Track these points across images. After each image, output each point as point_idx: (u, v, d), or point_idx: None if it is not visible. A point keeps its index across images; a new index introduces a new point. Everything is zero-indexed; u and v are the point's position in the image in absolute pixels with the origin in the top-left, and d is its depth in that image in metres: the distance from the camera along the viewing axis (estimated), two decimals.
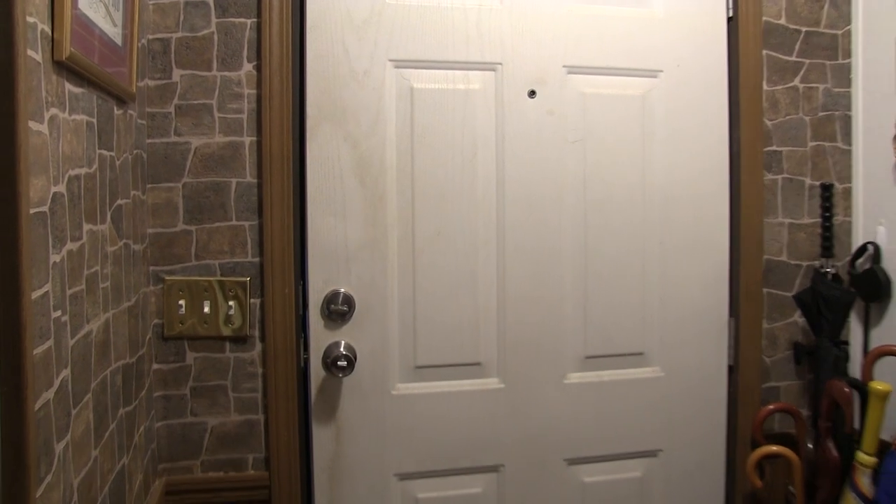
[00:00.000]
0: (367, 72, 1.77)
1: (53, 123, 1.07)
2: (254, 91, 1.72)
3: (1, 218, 0.91)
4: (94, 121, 1.28)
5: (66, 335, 1.13)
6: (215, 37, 1.72)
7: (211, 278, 1.72)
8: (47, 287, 1.04)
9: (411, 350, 1.82)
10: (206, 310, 1.71)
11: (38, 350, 1.00)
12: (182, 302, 1.71)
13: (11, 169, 0.92)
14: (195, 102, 1.71)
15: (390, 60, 1.78)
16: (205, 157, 1.71)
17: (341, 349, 1.75)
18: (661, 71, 1.92)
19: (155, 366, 1.72)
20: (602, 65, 1.88)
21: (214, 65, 1.72)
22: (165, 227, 1.71)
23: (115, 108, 1.42)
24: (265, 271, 1.72)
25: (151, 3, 1.69)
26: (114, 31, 1.37)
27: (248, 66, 1.72)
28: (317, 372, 1.77)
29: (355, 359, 1.77)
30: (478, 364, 1.86)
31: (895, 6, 1.87)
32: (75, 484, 1.16)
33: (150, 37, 1.70)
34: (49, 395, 1.05)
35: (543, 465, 1.91)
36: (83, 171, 1.22)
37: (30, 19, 0.99)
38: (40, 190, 1.02)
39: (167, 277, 1.70)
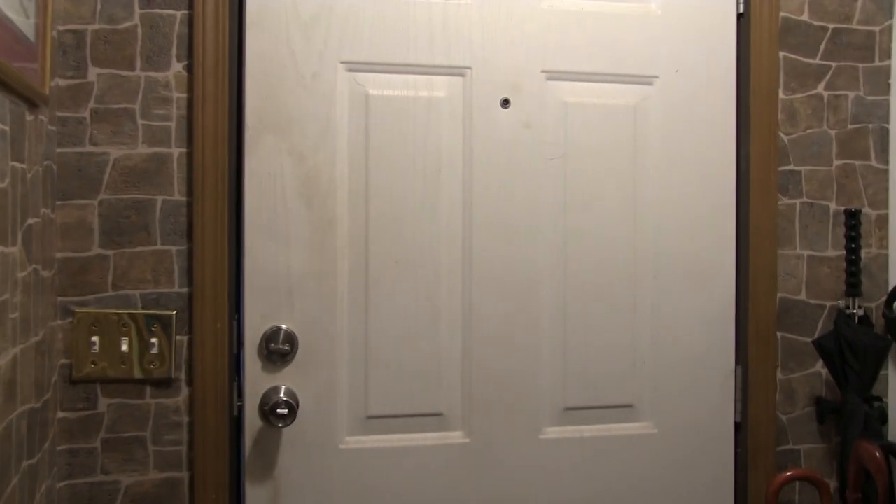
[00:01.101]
0: (316, 75, 2.04)
1: None
2: (184, 95, 2.00)
3: None
4: (7, 129, 1.56)
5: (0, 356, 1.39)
6: (139, 30, 2.00)
7: (130, 311, 1.98)
8: None
9: (362, 398, 2.08)
10: (124, 348, 1.98)
11: None
12: (95, 339, 1.97)
13: None
14: (115, 106, 1.99)
15: (342, 63, 2.05)
16: (125, 171, 1.99)
17: (281, 395, 2.00)
18: (657, 77, 2.22)
19: (60, 414, 1.98)
20: (587, 70, 2.17)
21: (138, 63, 2.00)
22: (77, 250, 1.97)
23: (26, 112, 1.69)
24: (194, 304, 1.99)
25: None
26: (24, 23, 1.64)
27: (177, 66, 2.00)
28: (252, 421, 2.03)
29: (297, 406, 2.03)
30: (439, 415, 2.12)
31: None
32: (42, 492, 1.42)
33: (62, 28, 1.97)
34: None
35: None
36: (1, 185, 1.49)
37: None
38: None
39: (78, 310, 1.97)
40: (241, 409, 2.02)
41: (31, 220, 1.73)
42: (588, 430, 2.19)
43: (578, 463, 2.18)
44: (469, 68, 2.11)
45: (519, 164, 2.14)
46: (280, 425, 1.96)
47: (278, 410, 1.95)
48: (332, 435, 2.07)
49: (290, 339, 2.02)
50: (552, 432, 2.18)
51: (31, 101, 1.72)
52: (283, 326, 2.02)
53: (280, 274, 2.02)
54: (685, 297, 2.23)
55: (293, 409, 1.97)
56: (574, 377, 2.18)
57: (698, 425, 2.24)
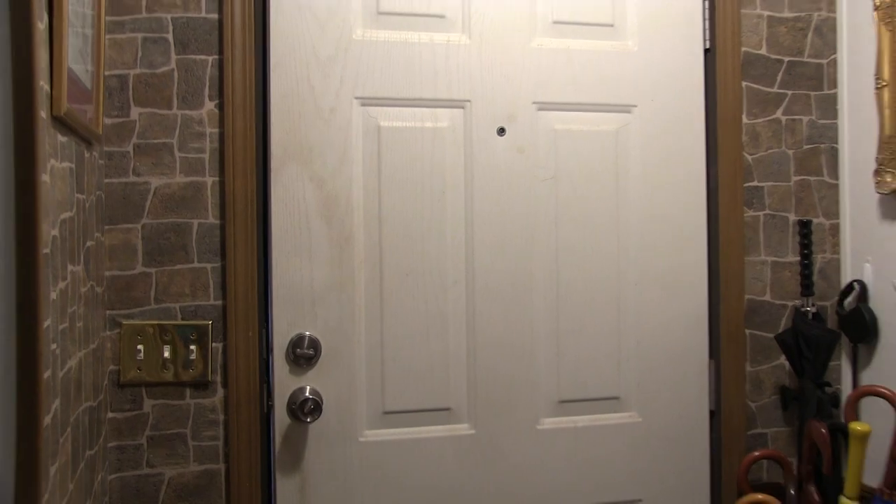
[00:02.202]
0: (334, 110, 2.25)
1: (52, 173, 1.54)
2: (216, 130, 2.20)
3: (23, 258, 1.38)
4: (73, 165, 1.76)
5: (58, 367, 1.59)
6: (175, 74, 2.20)
7: (171, 322, 2.18)
8: (49, 321, 1.50)
9: (379, 395, 2.27)
10: (166, 354, 2.17)
11: (45, 375, 1.46)
12: (140, 347, 2.16)
13: (32, 216, 1.38)
14: (154, 141, 2.19)
15: (356, 98, 2.26)
16: (165, 198, 2.19)
17: (308, 394, 2.19)
18: (635, 105, 2.43)
19: (110, 414, 2.17)
20: (573, 101, 2.39)
21: (175, 103, 2.20)
22: (123, 269, 2.17)
23: (85, 150, 1.89)
24: (228, 315, 2.18)
25: (108, 37, 2.17)
26: (83, 71, 1.84)
27: (209, 105, 2.21)
28: (281, 419, 2.22)
29: (322, 403, 2.21)
30: (448, 409, 2.32)
31: (875, 34, 2.39)
32: (96, 485, 1.61)
33: (108, 73, 2.17)
34: (48, 419, 1.50)
35: None
36: (68, 214, 1.69)
37: (40, 83, 1.46)
38: (45, 233, 1.49)
39: (125, 322, 2.16)
40: (270, 408, 2.22)
41: (88, 243, 1.93)
42: (580, 421, 2.39)
43: (572, 449, 2.38)
44: (468, 101, 2.32)
45: (514, 186, 2.35)
46: (308, 421, 2.15)
47: (306, 407, 2.15)
48: (353, 429, 2.25)
49: (314, 344, 2.21)
50: (548, 423, 2.38)
51: (88, 141, 1.92)
52: (308, 333, 2.22)
53: (304, 286, 2.21)
54: (664, 302, 2.43)
55: (319, 405, 2.16)
56: (567, 374, 2.38)
57: (678, 414, 2.44)
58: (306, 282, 2.22)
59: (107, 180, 2.17)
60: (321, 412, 2.21)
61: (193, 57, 2.21)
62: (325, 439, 2.24)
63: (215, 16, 2.21)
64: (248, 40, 2.21)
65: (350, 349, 2.24)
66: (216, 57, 2.21)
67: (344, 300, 2.24)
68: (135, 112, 2.18)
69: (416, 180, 2.29)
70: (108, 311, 2.16)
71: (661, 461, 2.44)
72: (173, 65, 2.20)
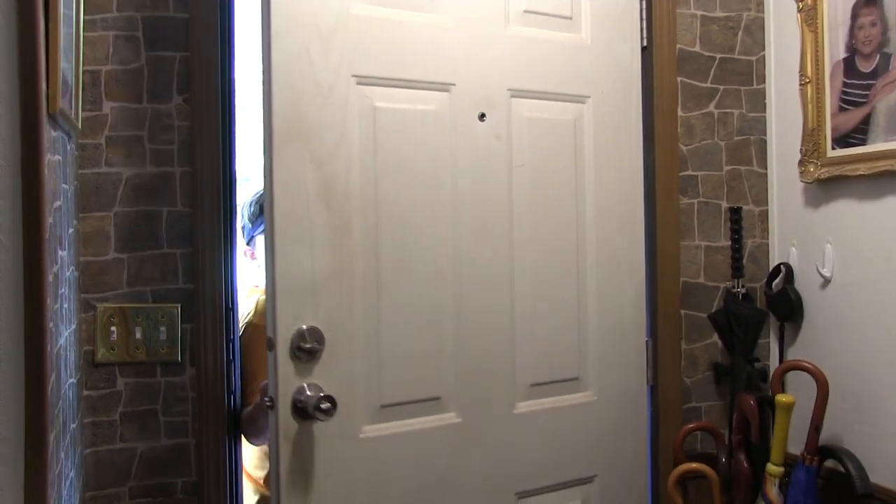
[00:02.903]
0: (332, 87, 2.17)
1: (49, 166, 1.77)
2: (185, 123, 2.43)
3: (30, 244, 1.60)
4: (61, 158, 1.98)
5: (53, 343, 1.82)
6: (145, 70, 2.43)
7: (142, 305, 2.41)
8: (48, 300, 1.73)
9: (376, 389, 2.24)
10: (138, 336, 2.40)
11: (48, 349, 1.69)
12: (113, 328, 2.39)
13: (38, 206, 1.61)
14: (126, 134, 2.41)
15: (353, 76, 2.21)
16: (136, 187, 2.41)
17: (319, 392, 2.10)
18: (589, 97, 2.64)
19: (85, 392, 2.39)
20: (541, 89, 2.53)
21: (145, 97, 2.42)
22: (97, 255, 2.39)
23: (68, 143, 2.12)
24: (196, 298, 2.42)
25: (82, 35, 2.39)
26: (66, 68, 2.05)
27: (178, 99, 2.44)
28: (286, 421, 2.10)
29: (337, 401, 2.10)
30: (437, 399, 2.35)
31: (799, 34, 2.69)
32: (52, 476, 1.84)
33: (83, 69, 2.39)
34: (49, 389, 1.73)
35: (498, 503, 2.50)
36: (59, 203, 1.91)
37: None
38: (47, 221, 1.71)
39: (99, 305, 2.39)
40: (270, 408, 2.12)
41: (70, 230, 2.15)
42: (548, 402, 2.55)
43: (543, 429, 2.54)
44: (454, 84, 2.37)
45: (493, 172, 2.44)
46: (323, 419, 2.06)
47: (322, 405, 2.05)
48: (353, 426, 2.21)
49: (319, 337, 2.13)
50: (522, 406, 2.51)
51: (69, 134, 2.14)
52: (311, 325, 2.13)
53: (306, 275, 2.14)
54: (614, 285, 2.67)
55: (334, 402, 2.07)
56: (538, 357, 2.53)
57: (625, 391, 2.68)
58: (308, 270, 2.14)
59: (81, 171, 2.39)
60: (336, 410, 2.10)
61: (162, 54, 2.44)
62: (326, 438, 2.16)
63: (183, 15, 2.44)
64: (212, 38, 2.43)
65: (350, 342, 2.20)
66: (184, 54, 2.44)
67: (344, 290, 2.19)
68: (107, 106, 2.41)
69: (408, 164, 2.30)
70: (83, 295, 2.38)
71: (611, 437, 2.67)
72: (143, 61, 2.43)
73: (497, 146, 2.45)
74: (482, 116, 2.42)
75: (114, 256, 2.40)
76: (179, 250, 2.44)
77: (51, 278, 1.78)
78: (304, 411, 2.09)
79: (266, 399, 2.12)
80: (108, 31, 2.41)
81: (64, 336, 2.01)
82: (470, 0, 2.43)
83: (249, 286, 3.09)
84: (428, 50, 2.34)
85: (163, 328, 2.42)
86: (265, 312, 2.15)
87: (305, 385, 2.12)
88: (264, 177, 2.14)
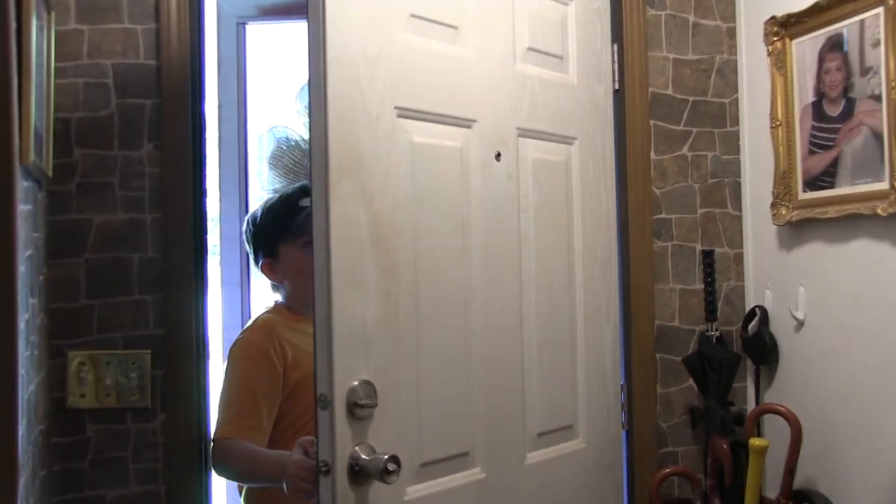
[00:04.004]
0: (379, 118, 2.10)
1: (21, 216, 1.93)
2: (156, 169, 2.59)
3: (3, 297, 1.76)
4: (32, 207, 2.14)
5: (24, 389, 1.97)
6: (116, 117, 2.60)
7: (113, 351, 2.56)
8: (20, 347, 1.88)
9: (418, 445, 2.13)
10: (108, 382, 2.55)
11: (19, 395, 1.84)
12: (84, 375, 2.54)
13: (10, 256, 1.77)
14: (97, 180, 2.57)
15: (395, 108, 2.14)
16: (107, 234, 2.57)
17: (373, 452, 1.99)
18: (576, 138, 2.70)
19: (54, 439, 2.53)
20: (542, 129, 2.54)
21: (115, 144, 2.59)
22: (68, 301, 2.54)
23: (38, 191, 2.28)
24: (167, 344, 2.56)
25: (53, 82, 2.55)
26: (38, 116, 2.21)
27: (149, 146, 2.60)
28: (344, 489, 1.97)
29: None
30: (466, 454, 2.28)
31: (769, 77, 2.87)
32: None
33: (53, 117, 2.55)
34: (19, 435, 1.88)
35: None
36: (29, 252, 2.07)
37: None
38: (19, 271, 1.87)
39: (70, 351, 2.53)
40: (327, 472, 1.96)
41: (41, 277, 2.31)
42: (551, 452, 2.55)
43: (547, 480, 2.54)
44: (475, 121, 2.34)
45: (506, 214, 2.43)
46: (389, 483, 1.96)
47: (389, 467, 1.94)
48: (400, 487, 2.08)
49: (371, 392, 2.01)
50: (532, 457, 2.47)
51: (40, 182, 2.30)
52: (365, 379, 2.01)
53: (359, 324, 2.03)
54: (597, 328, 2.75)
55: (400, 464, 1.97)
56: (543, 405, 2.52)
57: (606, 437, 2.77)
58: (360, 318, 2.04)
59: (51, 217, 2.54)
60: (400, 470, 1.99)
61: (133, 101, 2.61)
62: (377, 501, 2.04)
63: (153, 62, 2.61)
64: (184, 85, 2.61)
65: (397, 396, 2.10)
66: (156, 100, 2.61)
67: (390, 339, 2.10)
68: (77, 153, 2.58)
69: (438, 203, 2.25)
70: (53, 341, 2.53)
71: (596, 485, 2.75)
72: (113, 108, 2.60)
73: (509, 187, 2.46)
74: (498, 156, 2.41)
75: (84, 303, 2.56)
76: (150, 296, 2.59)
77: (22, 325, 1.93)
78: (360, 475, 1.98)
79: (321, 464, 1.96)
80: (78, 78, 2.58)
81: (34, 383, 2.15)
82: (486, 34, 2.42)
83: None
84: (456, 83, 2.32)
85: (133, 374, 2.57)
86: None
87: (365, 443, 2.00)
88: (315, 215, 2.01)
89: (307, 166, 2.59)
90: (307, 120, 3.06)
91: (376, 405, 2.01)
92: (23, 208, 1.98)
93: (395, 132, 2.15)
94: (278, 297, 2.59)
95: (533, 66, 2.56)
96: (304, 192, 2.49)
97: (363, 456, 1.97)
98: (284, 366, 2.41)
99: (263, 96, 3.29)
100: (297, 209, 2.52)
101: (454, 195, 2.31)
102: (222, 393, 2.40)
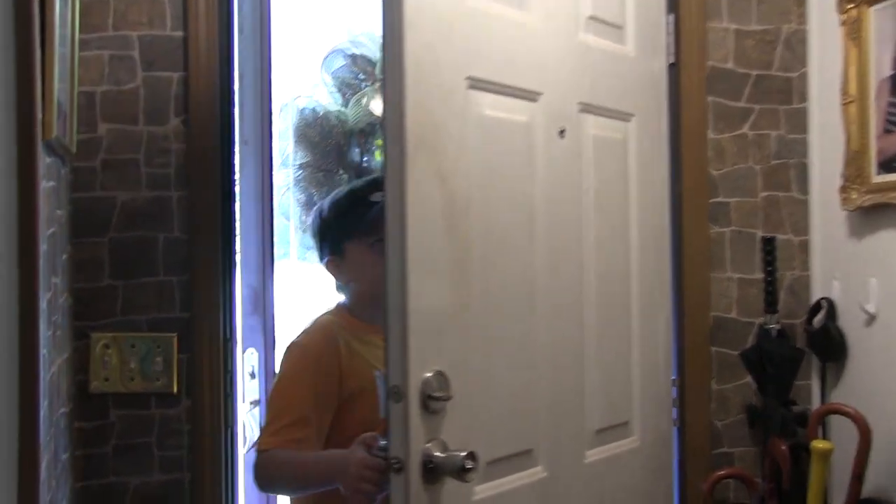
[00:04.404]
0: (453, 90, 2.13)
1: (44, 193, 2.16)
2: (182, 146, 2.82)
3: (25, 275, 1.99)
4: (55, 184, 2.38)
5: (46, 369, 2.20)
6: (141, 91, 2.82)
7: (137, 334, 2.79)
8: (42, 326, 2.12)
9: (488, 442, 2.15)
10: (133, 365, 2.78)
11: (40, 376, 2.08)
12: (107, 358, 2.77)
13: (32, 234, 2.00)
14: (121, 157, 2.80)
15: (467, 78, 2.16)
16: (131, 212, 2.80)
17: (445, 449, 2.03)
18: (633, 115, 2.78)
19: (77, 424, 2.77)
20: (601, 104, 2.58)
21: (141, 119, 2.82)
22: (91, 281, 2.78)
23: (62, 167, 2.51)
24: (193, 327, 2.79)
25: (76, 55, 2.78)
26: (61, 90, 2.42)
27: (175, 121, 2.83)
28: (417, 487, 2.00)
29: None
30: (529, 452, 2.33)
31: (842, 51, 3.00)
32: (56, 500, 2.22)
33: (76, 90, 2.79)
34: (41, 416, 2.12)
35: None
36: (53, 229, 2.31)
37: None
38: (41, 249, 2.10)
39: (92, 333, 2.77)
40: (399, 470, 2.00)
41: (63, 256, 2.55)
42: (607, 450, 2.63)
43: (604, 480, 2.62)
44: (541, 94, 2.37)
45: (567, 195, 2.47)
46: (467, 482, 2.03)
47: (467, 465, 1.98)
48: (469, 486, 2.10)
49: (445, 384, 2.04)
50: (590, 455, 2.53)
51: (63, 159, 2.54)
52: (438, 370, 2.04)
53: (433, 311, 2.07)
54: (651, 319, 2.86)
55: (477, 461, 2.01)
56: (601, 400, 2.58)
57: (658, 435, 2.89)
58: (434, 306, 2.08)
59: (75, 195, 2.78)
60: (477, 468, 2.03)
61: (159, 74, 2.83)
62: (448, 500, 2.08)
63: (180, 33, 2.83)
64: (211, 56, 2.82)
65: (469, 389, 2.12)
66: (182, 74, 2.83)
67: (462, 327, 2.14)
68: (102, 128, 2.81)
69: (506, 183, 2.31)
70: (76, 322, 2.77)
71: (649, 486, 2.87)
72: (139, 82, 2.83)
73: (572, 166, 2.50)
74: (562, 132, 2.44)
75: (108, 283, 2.80)
76: (176, 277, 2.82)
77: (44, 305, 2.17)
78: (433, 473, 2.02)
79: (394, 461, 1.99)
80: (103, 51, 2.81)
81: (56, 364, 2.39)
82: (553, 2, 2.46)
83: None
84: (524, 52, 2.35)
85: (158, 358, 2.80)
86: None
87: (431, 442, 2.03)
88: (388, 194, 2.05)
89: (337, 140, 2.78)
90: (333, 90, 3.25)
91: (451, 398, 2.04)
92: (45, 185, 2.20)
93: (468, 104, 2.18)
94: (342, 297, 2.60)
95: (594, 37, 2.62)
96: (375, 185, 2.51)
97: (437, 453, 2.01)
98: (340, 375, 2.42)
99: (284, 65, 3.34)
100: (367, 204, 2.51)
101: (520, 175, 2.36)
102: (270, 400, 2.49)
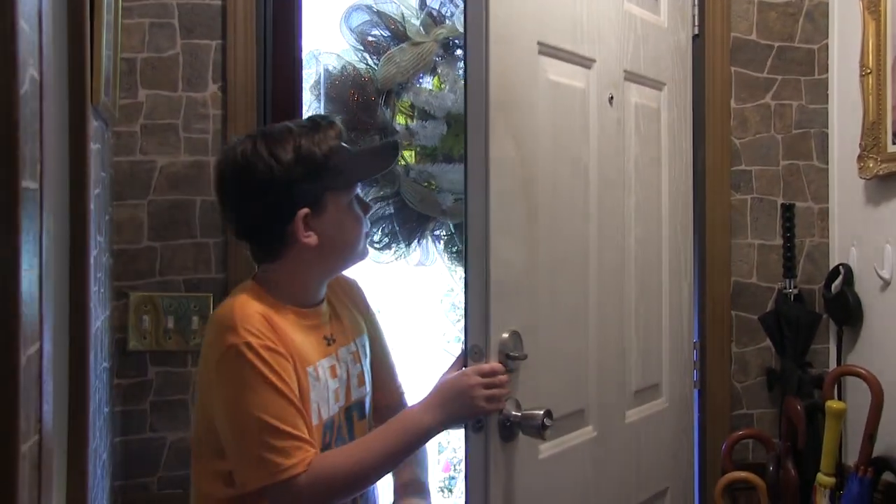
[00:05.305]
0: (528, 53, 2.26)
1: (91, 155, 2.25)
2: (219, 112, 2.90)
3: (76, 229, 2.08)
4: (101, 146, 2.46)
5: (94, 321, 2.30)
6: (180, 58, 2.91)
7: (174, 294, 2.88)
8: (91, 282, 2.21)
9: (551, 401, 2.22)
10: (170, 325, 2.87)
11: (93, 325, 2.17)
12: (145, 317, 2.87)
13: (83, 194, 2.09)
14: (161, 122, 2.89)
15: (539, 43, 2.29)
16: (170, 176, 2.89)
17: (520, 408, 2.15)
18: (665, 84, 2.94)
19: (116, 380, 2.87)
20: (643, 73, 2.78)
21: (180, 85, 2.90)
22: (130, 242, 2.87)
23: (105, 131, 2.60)
24: (229, 287, 2.88)
25: (119, 22, 2.87)
26: (106, 56, 2.51)
27: (213, 87, 2.91)
28: (496, 444, 2.12)
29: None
30: (581, 411, 2.49)
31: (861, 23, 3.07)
32: (90, 448, 2.31)
33: (119, 57, 2.87)
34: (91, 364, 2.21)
35: None
36: (98, 190, 2.40)
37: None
38: (89, 208, 2.19)
39: (131, 293, 2.87)
40: (480, 428, 2.10)
41: (106, 217, 2.64)
42: (644, 410, 2.80)
43: (641, 440, 2.78)
44: (594, 61, 2.53)
45: (614, 161, 2.64)
46: (546, 438, 2.16)
47: (546, 422, 2.09)
48: (534, 444, 2.25)
49: (519, 343, 2.16)
50: (630, 415, 2.73)
51: (107, 122, 2.62)
52: (514, 329, 2.16)
53: (510, 272, 2.18)
54: (677, 284, 3.00)
55: (553, 418, 2.12)
56: (639, 362, 2.77)
57: (682, 396, 3.05)
58: (511, 266, 2.19)
59: (116, 158, 2.87)
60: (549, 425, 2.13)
61: (198, 41, 2.92)
62: (522, 460, 2.22)
63: (219, 2, 2.91)
64: (249, 25, 2.90)
65: (538, 349, 2.24)
66: (220, 42, 2.91)
67: (532, 288, 2.28)
68: (142, 94, 2.89)
69: (566, 147, 2.43)
70: (115, 282, 2.86)
71: (676, 446, 3.02)
72: (178, 49, 2.91)
73: (618, 133, 2.65)
74: (611, 99, 2.59)
75: (146, 245, 2.89)
76: (212, 240, 2.91)
77: (91, 261, 2.26)
78: (509, 430, 2.13)
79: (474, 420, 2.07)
80: (143, 19, 2.89)
81: (100, 320, 2.49)
82: None
83: None
84: (582, 19, 2.46)
85: (195, 318, 2.89)
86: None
87: (507, 401, 2.12)
88: (470, 155, 2.10)
89: (367, 99, 2.82)
90: (360, 47, 3.28)
91: (526, 357, 2.15)
92: (93, 147, 2.29)
93: (538, 69, 2.30)
94: (265, 278, 2.11)
95: (636, 7, 2.77)
96: (331, 126, 2.11)
97: (513, 412, 2.12)
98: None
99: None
100: (353, 151, 2.18)
101: (578, 140, 2.48)
102: (250, 421, 1.90)
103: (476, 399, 2.02)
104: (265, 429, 1.88)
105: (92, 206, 2.26)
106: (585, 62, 2.49)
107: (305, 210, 2.01)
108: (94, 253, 2.32)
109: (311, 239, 2.02)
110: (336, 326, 2.17)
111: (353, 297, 2.31)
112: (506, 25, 2.15)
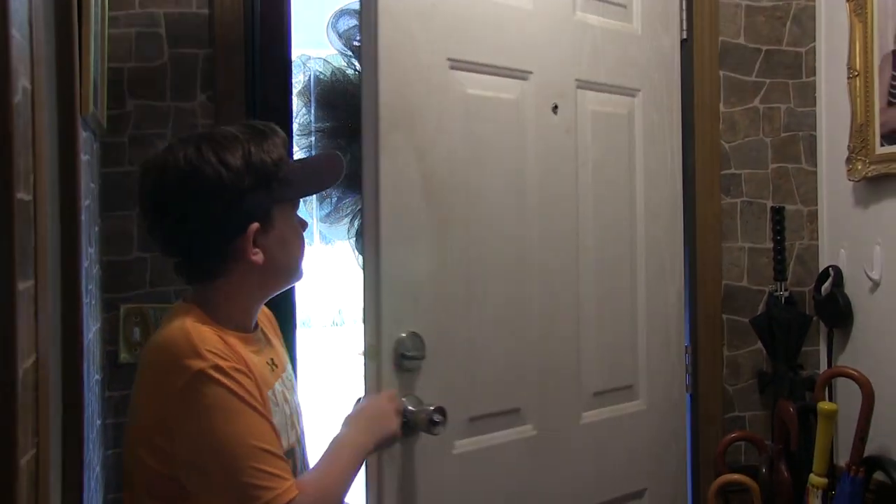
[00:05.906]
0: (431, 70, 2.35)
1: (82, 167, 2.24)
2: (209, 121, 2.88)
3: (66, 241, 2.07)
4: (90, 158, 2.45)
5: (86, 333, 2.28)
6: (168, 67, 2.89)
7: (166, 305, 2.86)
8: (83, 294, 2.20)
9: (467, 399, 2.41)
10: None
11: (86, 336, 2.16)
12: (136, 329, 2.85)
13: (74, 204, 2.08)
14: (149, 132, 2.87)
15: (448, 59, 2.40)
16: None
17: (421, 404, 2.26)
18: (640, 90, 2.96)
19: (107, 393, 2.85)
20: (603, 81, 2.82)
21: (168, 95, 2.89)
22: (120, 254, 2.85)
23: (93, 142, 2.58)
24: None
25: (107, 32, 2.85)
26: (94, 64, 2.48)
27: (201, 97, 2.90)
28: None
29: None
30: (517, 410, 2.57)
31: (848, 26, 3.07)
32: (91, 464, 2.30)
33: (107, 67, 2.86)
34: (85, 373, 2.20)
35: None
36: (87, 202, 2.38)
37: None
38: (80, 220, 2.18)
39: (122, 305, 2.85)
40: None
41: (95, 228, 2.62)
42: (607, 412, 2.81)
43: (603, 441, 2.81)
44: (531, 72, 2.60)
45: (561, 169, 2.70)
46: (435, 434, 2.22)
47: (435, 418, 2.19)
48: (448, 440, 2.36)
49: (419, 344, 2.29)
50: (587, 416, 2.76)
51: (95, 133, 2.61)
52: (413, 331, 2.29)
53: (408, 277, 2.31)
54: (661, 287, 3.02)
55: (446, 415, 2.22)
56: (600, 364, 2.80)
57: (668, 399, 3.06)
58: (409, 271, 2.31)
59: (104, 169, 2.85)
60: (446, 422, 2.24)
61: (185, 51, 2.90)
62: (425, 455, 2.32)
63: (206, 11, 2.90)
64: (235, 34, 2.89)
65: (448, 349, 2.37)
66: (207, 51, 2.90)
67: (441, 292, 2.37)
68: (130, 104, 2.87)
69: (493, 157, 2.51)
70: (105, 294, 2.84)
71: (658, 448, 3.02)
72: (166, 58, 2.89)
73: (566, 140, 2.71)
74: (555, 108, 2.65)
75: (136, 256, 2.87)
76: None
77: (83, 274, 2.24)
78: (406, 427, 2.19)
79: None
80: (130, 28, 2.87)
81: (91, 332, 2.47)
82: None
83: None
84: (512, 34, 2.56)
85: None
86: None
87: (409, 396, 2.27)
88: (365, 168, 2.24)
89: (356, 104, 2.82)
90: (348, 52, 3.28)
91: (424, 357, 2.28)
92: (82, 158, 2.27)
93: (449, 84, 2.40)
94: (203, 298, 1.99)
95: (594, 16, 2.82)
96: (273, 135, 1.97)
97: (409, 407, 2.24)
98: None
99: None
100: (300, 162, 2.24)
101: (509, 149, 2.56)
102: (237, 448, 1.76)
103: (393, 421, 2.12)
104: (253, 454, 1.75)
105: (83, 218, 2.25)
106: (519, 74, 2.58)
107: (256, 225, 1.87)
108: (84, 265, 2.31)
109: (258, 257, 1.89)
110: (272, 352, 2.07)
111: (274, 325, 2.21)
112: (401, 45, 2.29)
